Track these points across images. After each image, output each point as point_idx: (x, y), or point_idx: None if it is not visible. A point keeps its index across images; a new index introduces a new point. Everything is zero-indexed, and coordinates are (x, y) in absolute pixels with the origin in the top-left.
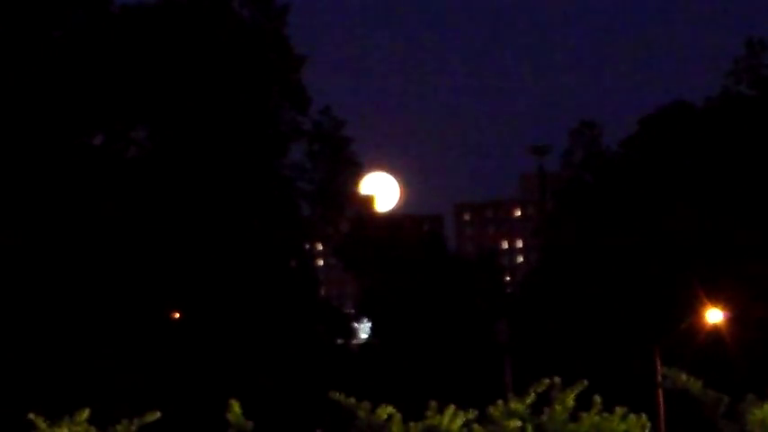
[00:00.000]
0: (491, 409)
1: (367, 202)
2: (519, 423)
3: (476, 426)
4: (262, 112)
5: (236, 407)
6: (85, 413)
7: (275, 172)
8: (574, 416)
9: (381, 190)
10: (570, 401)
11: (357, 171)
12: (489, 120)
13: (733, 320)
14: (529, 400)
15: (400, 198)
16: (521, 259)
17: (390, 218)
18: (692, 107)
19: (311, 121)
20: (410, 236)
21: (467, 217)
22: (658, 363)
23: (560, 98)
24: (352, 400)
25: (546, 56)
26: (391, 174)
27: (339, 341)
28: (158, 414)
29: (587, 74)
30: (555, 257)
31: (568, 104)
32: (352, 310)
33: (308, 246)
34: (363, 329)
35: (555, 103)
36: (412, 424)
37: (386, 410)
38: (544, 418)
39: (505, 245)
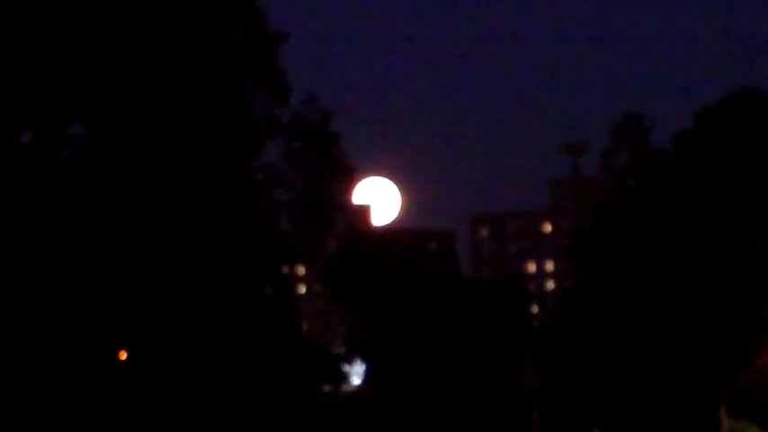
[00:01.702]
0: None
1: (361, 214)
2: None
3: None
4: (229, 103)
5: None
6: None
7: (246, 176)
8: None
9: (379, 199)
10: None
11: (348, 176)
12: (510, 117)
13: None
14: None
15: (402, 209)
16: (551, 285)
17: (390, 234)
18: (755, 93)
19: (291, 113)
20: (415, 256)
21: (484, 232)
22: (723, 413)
23: (595, 92)
24: None
25: (573, 44)
26: (391, 179)
27: (326, 388)
28: None
29: (623, 65)
30: (593, 283)
31: (603, 99)
32: (342, 350)
33: (286, 269)
34: (356, 373)
35: (588, 98)
36: None
37: None
38: None
39: (532, 267)
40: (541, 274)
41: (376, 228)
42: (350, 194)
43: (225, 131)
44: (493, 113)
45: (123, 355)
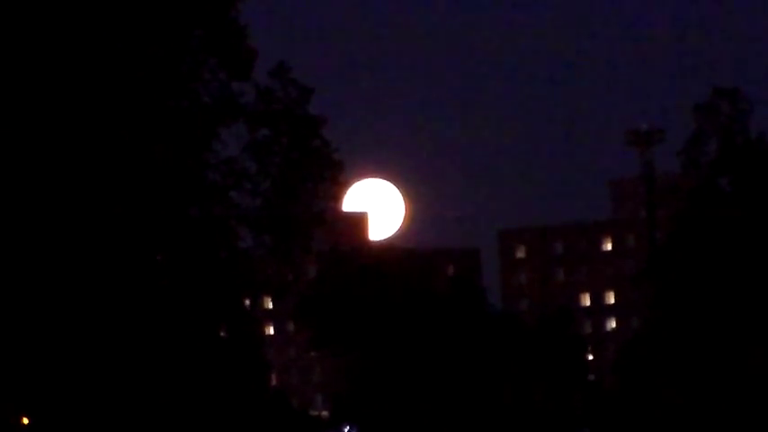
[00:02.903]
0: None
1: (351, 227)
2: None
3: None
4: (171, 75)
5: None
6: None
7: (193, 176)
8: None
9: (376, 208)
10: None
11: (335, 176)
12: (552, 103)
13: None
14: None
15: (407, 221)
16: (612, 324)
17: (390, 254)
18: None
19: (255, 89)
20: (424, 285)
21: (520, 252)
22: None
23: (665, 70)
24: None
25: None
26: (394, 182)
27: None
28: None
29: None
30: (672, 322)
31: (678, 80)
32: (324, 412)
33: (249, 302)
34: None
35: (659, 79)
36: None
37: None
38: None
39: (586, 299)
40: (599, 309)
41: (371, 246)
42: (336, 201)
43: (165, 115)
44: (529, 99)
45: (25, 420)
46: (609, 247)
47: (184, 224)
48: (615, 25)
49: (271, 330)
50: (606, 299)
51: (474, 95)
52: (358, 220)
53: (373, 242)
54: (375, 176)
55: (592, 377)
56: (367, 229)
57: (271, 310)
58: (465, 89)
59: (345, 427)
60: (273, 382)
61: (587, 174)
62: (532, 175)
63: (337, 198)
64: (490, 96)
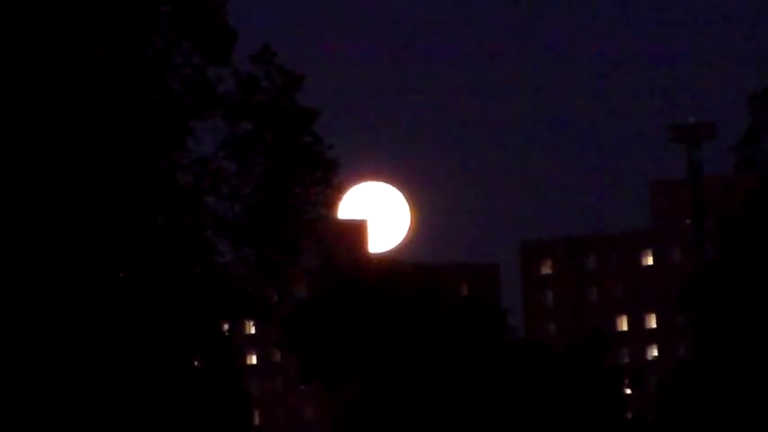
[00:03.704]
0: None
1: (350, 237)
2: None
3: None
4: (134, 60)
5: None
6: None
7: (163, 178)
8: None
9: (378, 217)
10: None
11: (329, 178)
12: (583, 98)
13: None
14: None
15: (412, 230)
16: (654, 352)
17: (394, 271)
18: None
19: (236, 76)
20: (434, 306)
21: (546, 268)
22: None
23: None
24: None
25: None
26: (397, 186)
27: None
28: None
29: None
30: (723, 351)
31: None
32: None
33: (228, 327)
34: None
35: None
36: None
37: None
38: None
39: (623, 323)
40: (639, 335)
41: (371, 260)
42: (331, 208)
43: (125, 105)
44: (552, 91)
45: None
46: (649, 261)
47: (151, 235)
48: (652, 11)
49: (253, 359)
50: (647, 322)
51: (491, 89)
52: (356, 231)
53: (373, 256)
54: (376, 180)
55: (630, 415)
56: (366, 241)
57: (253, 335)
58: (481, 82)
59: None
60: (256, 420)
61: (624, 176)
62: (559, 178)
63: (331, 204)
64: (509, 90)
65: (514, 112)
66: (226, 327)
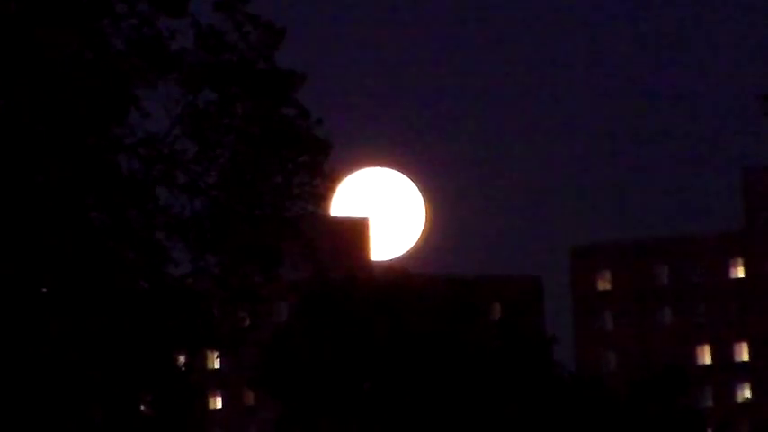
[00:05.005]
0: None
1: (346, 240)
2: None
3: None
4: (64, 9)
5: None
6: None
7: (99, 163)
8: None
9: (384, 212)
10: None
11: (318, 161)
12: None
13: None
14: None
15: (427, 232)
16: (746, 392)
17: (405, 283)
18: None
19: (196, 29)
20: (459, 330)
21: (604, 282)
22: None
23: None
24: None
25: None
26: (408, 174)
27: None
28: None
29: None
30: None
31: None
32: None
33: (184, 359)
34: None
35: None
36: None
37: None
38: None
39: (706, 354)
40: (726, 369)
41: (374, 270)
42: (320, 202)
43: (50, 68)
44: (609, 59)
45: None
46: (740, 273)
47: (82, 238)
48: None
49: (218, 402)
50: (736, 353)
51: (531, 63)
52: (354, 232)
53: (378, 265)
54: (380, 165)
55: None
56: (368, 246)
57: (218, 371)
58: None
59: None
60: None
61: (705, 162)
62: (621, 164)
63: (321, 197)
64: (555, 61)
65: (559, 85)
66: (182, 359)
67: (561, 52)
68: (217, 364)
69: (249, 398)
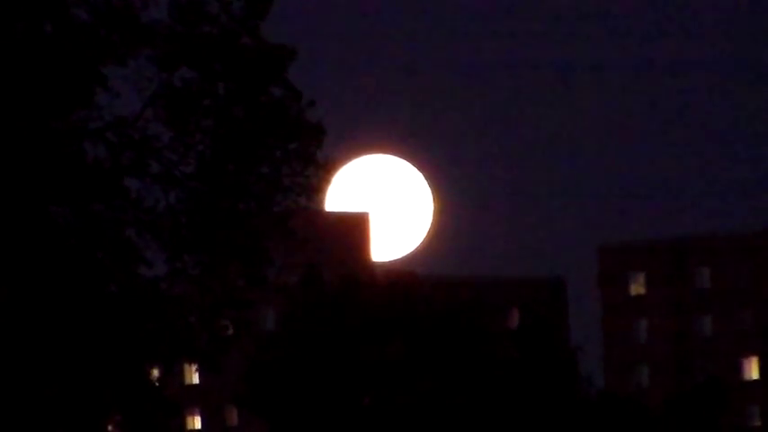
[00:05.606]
0: None
1: (344, 238)
2: None
3: None
4: None
5: None
6: None
7: (61, 151)
8: None
9: (386, 205)
10: None
11: (310, 149)
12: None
13: None
14: None
15: (435, 226)
16: None
17: (411, 285)
18: None
19: (172, 0)
20: (472, 339)
21: (637, 285)
22: None
23: None
24: None
25: None
26: (414, 163)
27: None
28: None
29: None
30: None
31: None
32: None
33: (158, 373)
34: None
35: None
36: None
37: None
38: None
39: (752, 367)
40: None
41: (375, 272)
42: (313, 195)
43: (3, 40)
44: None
45: None
46: None
47: (42, 235)
48: None
49: (197, 422)
50: None
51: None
52: (353, 229)
53: (379, 266)
54: (382, 152)
55: None
56: (369, 244)
57: (197, 386)
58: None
59: None
60: None
61: (750, 149)
62: (656, 153)
63: (315, 189)
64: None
65: (580, 69)
66: (155, 373)
67: (594, 42)
68: (195, 379)
69: (232, 417)
